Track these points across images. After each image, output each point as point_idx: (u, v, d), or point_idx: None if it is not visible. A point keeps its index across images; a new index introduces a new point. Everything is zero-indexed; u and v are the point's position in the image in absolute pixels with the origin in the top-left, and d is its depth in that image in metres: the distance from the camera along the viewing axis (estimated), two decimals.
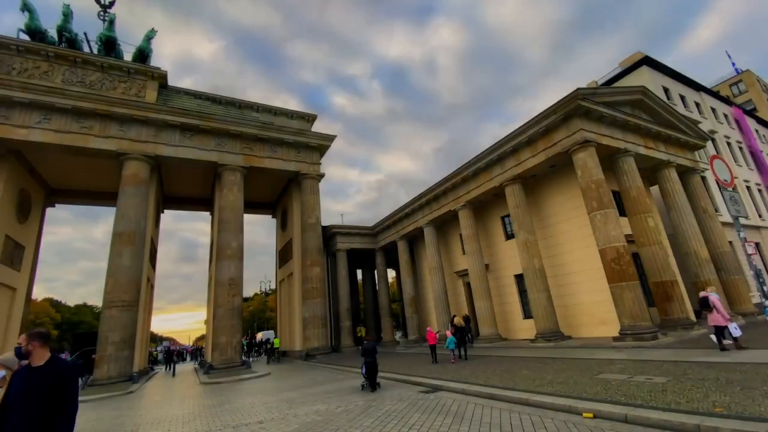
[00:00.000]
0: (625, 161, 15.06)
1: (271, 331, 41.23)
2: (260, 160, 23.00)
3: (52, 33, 20.52)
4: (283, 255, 28.81)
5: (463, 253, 21.07)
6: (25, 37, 19.66)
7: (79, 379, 19.62)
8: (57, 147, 18.67)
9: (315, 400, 9.10)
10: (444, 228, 23.98)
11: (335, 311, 26.44)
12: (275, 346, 25.68)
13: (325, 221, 25.82)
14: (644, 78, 23.26)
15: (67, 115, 18.56)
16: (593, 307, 15.35)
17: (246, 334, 45.37)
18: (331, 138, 25.37)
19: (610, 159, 15.25)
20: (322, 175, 25.03)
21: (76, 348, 30.83)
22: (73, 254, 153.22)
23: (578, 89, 13.51)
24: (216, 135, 21.77)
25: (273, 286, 48.21)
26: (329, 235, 27.35)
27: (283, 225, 29.47)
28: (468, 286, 21.30)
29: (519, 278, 18.44)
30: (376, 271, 30.86)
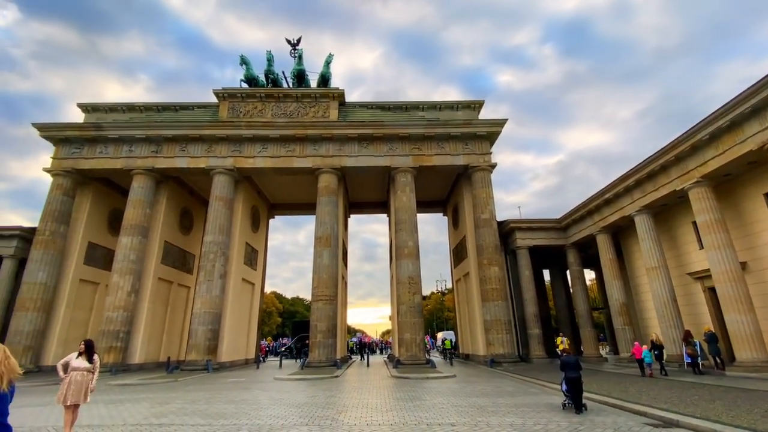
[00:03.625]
0: None
1: (451, 332, 42.47)
2: (428, 159, 24.19)
3: (262, 77, 27.12)
4: (457, 253, 29.40)
5: (701, 248, 16.66)
6: (244, 85, 26.70)
7: (297, 360, 25.30)
8: (272, 170, 24.57)
9: (507, 411, 8.85)
10: (664, 215, 19.56)
11: (520, 316, 25.18)
12: (446, 347, 26.74)
13: (499, 216, 24.92)
14: None
15: (277, 142, 24.17)
16: None
17: (426, 333, 48.45)
18: (501, 122, 24.35)
19: None
20: (493, 166, 24.33)
21: (294, 333, 39.69)
22: (285, 255, 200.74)
23: None
24: (387, 140, 24.19)
25: (449, 285, 49.90)
26: (506, 231, 26.27)
27: (454, 222, 30.12)
28: (711, 291, 16.72)
29: None
30: (568, 272, 27.85)
